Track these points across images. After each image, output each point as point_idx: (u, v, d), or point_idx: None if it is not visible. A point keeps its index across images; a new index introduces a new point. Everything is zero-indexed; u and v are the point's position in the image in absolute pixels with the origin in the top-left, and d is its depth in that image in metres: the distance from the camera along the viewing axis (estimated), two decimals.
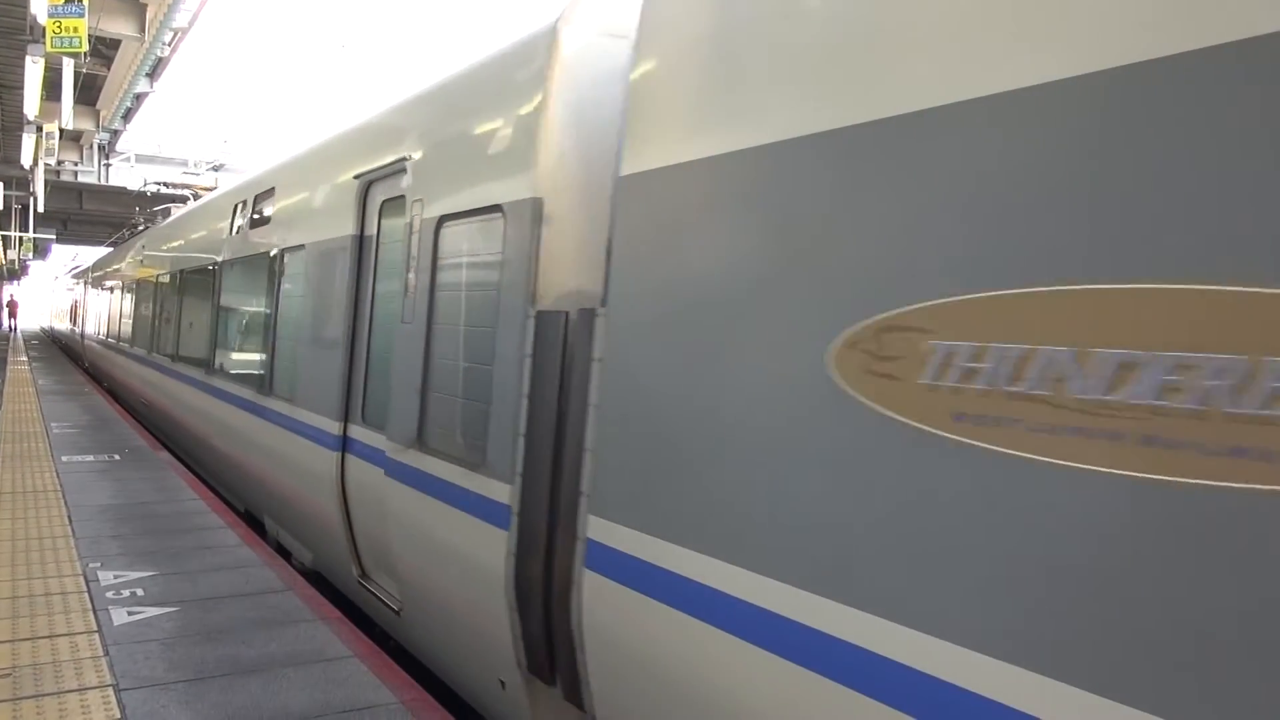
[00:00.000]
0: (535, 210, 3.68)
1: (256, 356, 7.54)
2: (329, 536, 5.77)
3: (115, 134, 29.54)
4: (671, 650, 2.73)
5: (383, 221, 5.37)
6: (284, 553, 6.87)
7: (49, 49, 12.21)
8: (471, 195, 4.23)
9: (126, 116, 27.12)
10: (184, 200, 20.77)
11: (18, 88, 14.40)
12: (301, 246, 6.55)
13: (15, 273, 52.39)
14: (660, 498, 2.80)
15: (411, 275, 4.72)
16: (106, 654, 4.27)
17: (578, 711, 3.40)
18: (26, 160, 19.64)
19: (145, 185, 26.89)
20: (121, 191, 31.95)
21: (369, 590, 5.23)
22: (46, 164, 23.90)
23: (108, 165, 31.39)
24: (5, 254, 37.25)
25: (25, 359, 25.65)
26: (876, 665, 2.06)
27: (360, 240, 5.59)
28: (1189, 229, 1.57)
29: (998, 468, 1.85)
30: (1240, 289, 1.49)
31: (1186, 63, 1.62)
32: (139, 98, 25.03)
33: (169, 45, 20.89)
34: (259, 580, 5.55)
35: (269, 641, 4.53)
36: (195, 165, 31.63)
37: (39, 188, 24.22)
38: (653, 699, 2.83)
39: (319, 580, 6.24)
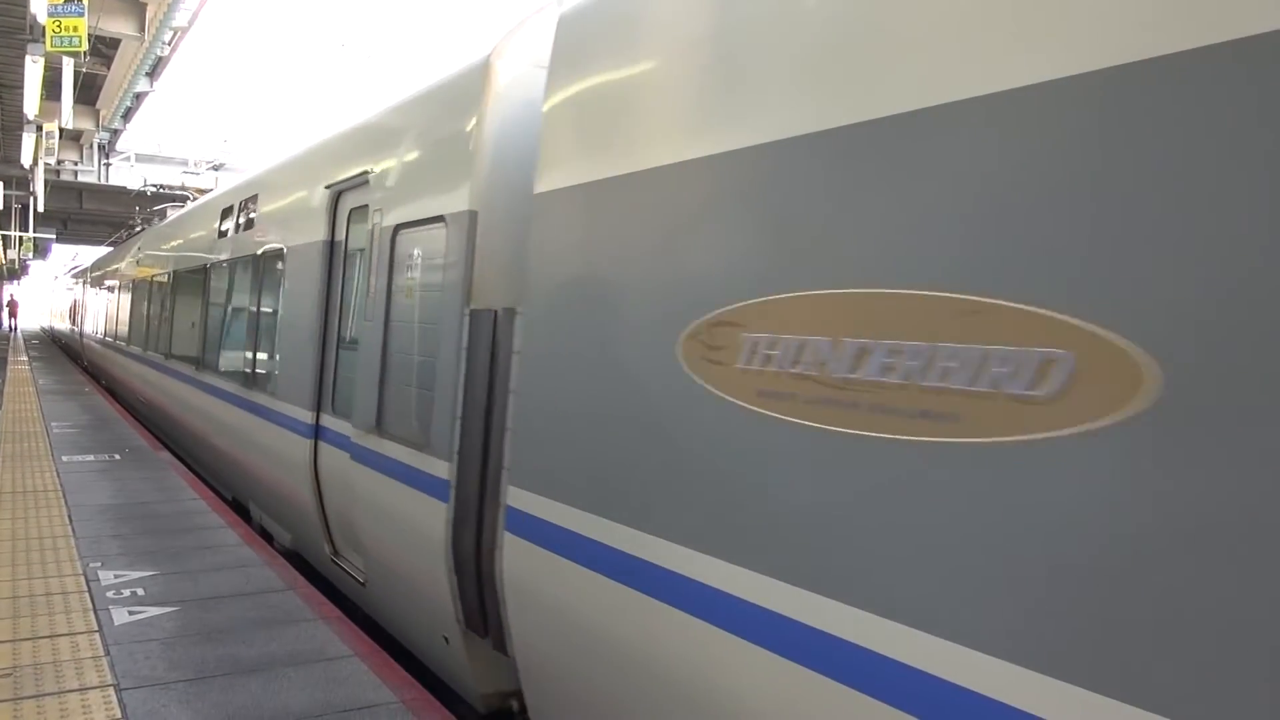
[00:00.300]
0: (471, 221, 4.22)
1: (241, 353, 7.95)
2: (304, 518, 6.27)
3: (115, 133, 29.54)
4: (572, 597, 3.26)
5: (350, 228, 5.88)
6: (267, 536, 7.31)
7: (49, 48, 12.21)
8: (420, 206, 4.75)
9: (126, 116, 27.12)
10: (184, 200, 20.96)
11: (18, 87, 14.39)
12: (281, 250, 7.07)
13: (15, 272, 52.41)
14: (560, 468, 3.34)
15: (372, 277, 5.24)
16: (107, 654, 4.27)
17: (505, 658, 3.91)
18: (26, 160, 19.64)
19: (145, 185, 26.91)
20: (121, 191, 31.94)
21: (339, 566, 5.77)
22: (46, 163, 23.89)
23: (108, 165, 31.39)
24: (5, 254, 37.25)
25: (25, 359, 25.65)
26: (712, 595, 2.60)
27: (331, 245, 6.10)
28: (892, 251, 2.15)
29: (785, 432, 2.40)
30: (928, 293, 2.05)
31: (861, 133, 2.27)
32: (139, 97, 25.03)
33: (169, 44, 20.89)
34: (259, 580, 5.55)
35: (269, 641, 4.53)
36: (195, 165, 31.62)
37: (39, 187, 24.22)
38: (559, 640, 3.36)
39: (309, 571, 6.25)
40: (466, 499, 4.02)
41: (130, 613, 4.85)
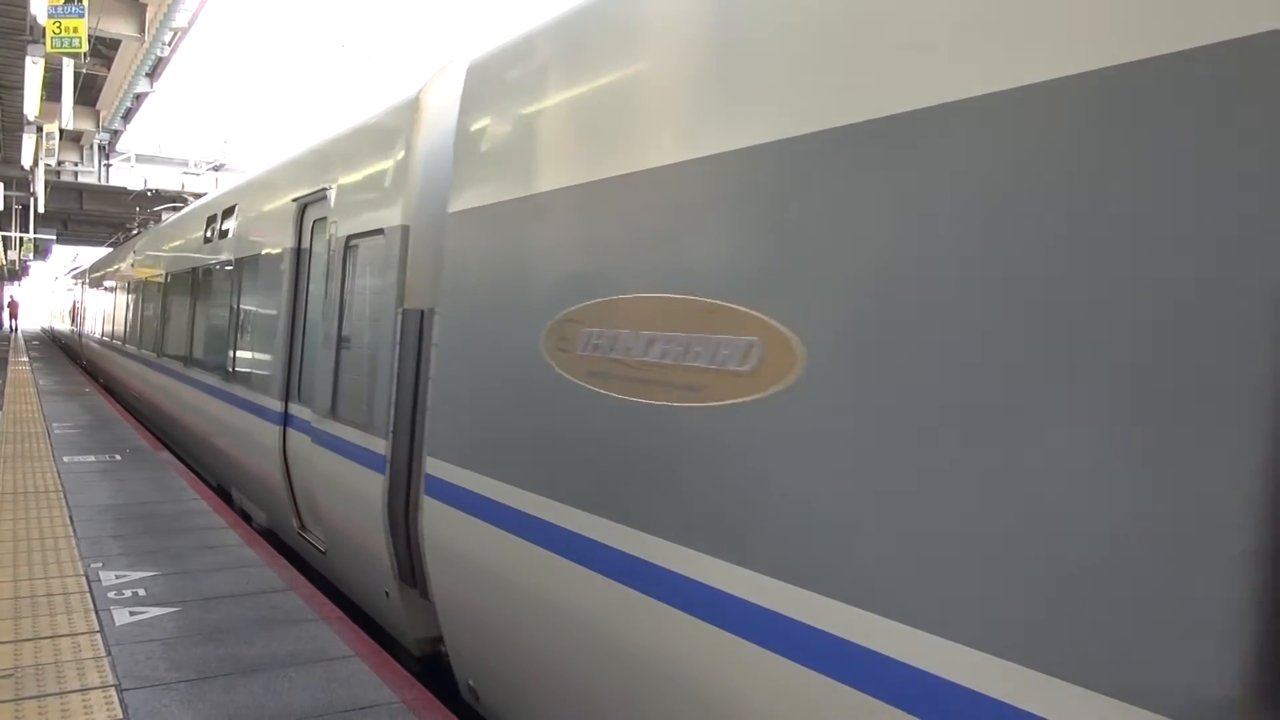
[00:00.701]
0: (404, 234, 4.93)
1: (223, 349, 8.67)
2: (276, 497, 6.97)
3: (115, 134, 29.56)
4: (474, 547, 3.94)
5: (313, 237, 6.56)
6: (247, 519, 7.93)
7: (49, 49, 12.20)
8: (366, 220, 5.46)
9: (126, 117, 27.14)
10: (181, 202, 21.11)
11: (18, 88, 14.41)
12: (256, 256, 7.87)
13: (16, 273, 52.42)
14: (463, 439, 4.09)
15: (329, 281, 5.98)
16: (108, 654, 4.27)
17: (428, 603, 4.56)
18: (27, 161, 19.65)
19: (145, 187, 26.90)
20: (122, 192, 31.97)
21: (305, 539, 6.42)
22: (47, 164, 23.91)
23: (108, 165, 31.40)
24: (6, 254, 37.25)
25: (26, 359, 25.67)
26: (566, 535, 3.30)
27: (298, 252, 6.80)
28: (664, 268, 2.92)
29: (605, 403, 3.13)
30: (685, 298, 2.81)
31: (641, 180, 3.07)
32: (139, 98, 25.05)
33: (169, 45, 20.90)
34: (260, 580, 5.56)
35: (271, 641, 4.53)
36: (195, 165, 31.64)
37: (39, 188, 24.23)
38: (466, 584, 4.07)
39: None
40: (398, 470, 4.73)
41: (131, 613, 4.85)
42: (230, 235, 8.94)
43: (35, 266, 58.37)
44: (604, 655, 3.11)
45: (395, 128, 5.28)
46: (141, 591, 5.24)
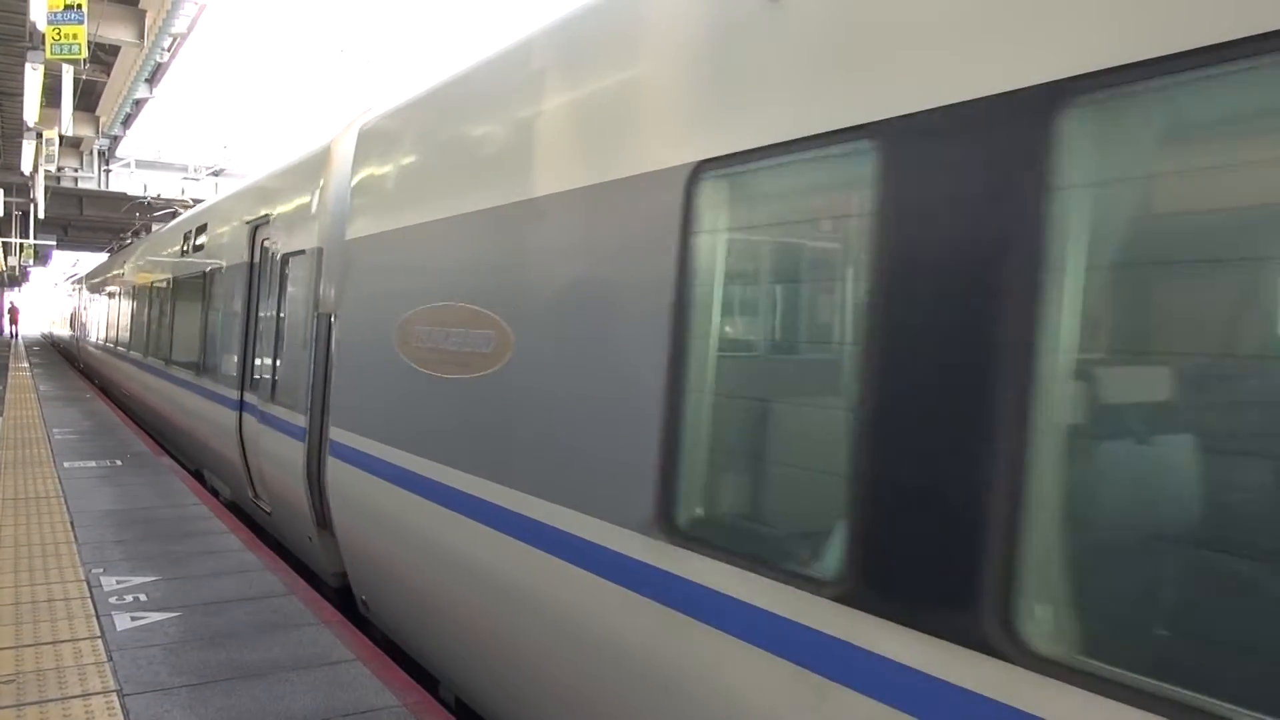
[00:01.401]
0: (319, 254, 6.36)
1: (195, 349, 10.04)
2: (235, 471, 8.23)
3: (115, 140, 29.57)
4: (361, 492, 5.20)
5: (263, 254, 7.89)
6: (216, 494, 9.14)
7: (48, 56, 12.21)
8: (295, 242, 6.91)
9: (126, 122, 27.15)
10: (173, 209, 21.36)
11: (17, 94, 14.41)
12: (220, 268, 9.30)
13: (16, 279, 52.43)
14: (350, 410, 5.44)
15: (272, 291, 7.34)
16: (110, 659, 4.27)
17: (336, 541, 5.77)
18: (27, 167, 19.66)
19: (144, 193, 26.89)
20: (122, 197, 31.96)
21: (258, 504, 7.72)
22: (46, 170, 23.91)
23: (108, 171, 31.40)
24: (6, 261, 37.27)
25: (26, 365, 25.67)
26: (412, 476, 4.53)
27: (251, 266, 8.15)
28: (453, 285, 4.27)
29: (428, 378, 4.44)
30: (464, 305, 4.13)
31: (434, 229, 4.53)
32: (138, 103, 25.07)
33: (168, 51, 20.92)
34: (261, 584, 5.55)
35: (272, 646, 4.53)
36: (195, 171, 31.66)
37: (39, 194, 24.23)
38: (357, 521, 5.34)
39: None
40: (314, 437, 6.14)
41: (133, 618, 4.85)
42: (201, 250, 10.46)
43: (35, 272, 58.39)
44: (439, 562, 4.30)
45: (314, 169, 6.80)
46: (143, 596, 5.23)
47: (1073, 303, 1.88)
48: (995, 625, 1.87)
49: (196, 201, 20.44)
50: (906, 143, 2.16)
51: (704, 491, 2.81)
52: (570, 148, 3.60)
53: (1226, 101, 1.75)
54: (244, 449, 7.79)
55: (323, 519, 6.02)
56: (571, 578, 3.25)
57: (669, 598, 2.76)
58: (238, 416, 7.92)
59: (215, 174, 31.10)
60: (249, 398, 7.69)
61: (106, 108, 25.55)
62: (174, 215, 17.73)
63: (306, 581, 5.85)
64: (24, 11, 11.46)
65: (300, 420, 6.26)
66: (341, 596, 5.90)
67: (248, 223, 8.30)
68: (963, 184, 2.06)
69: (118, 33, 18.68)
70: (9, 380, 19.97)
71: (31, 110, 15.07)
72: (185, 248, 11.37)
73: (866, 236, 2.26)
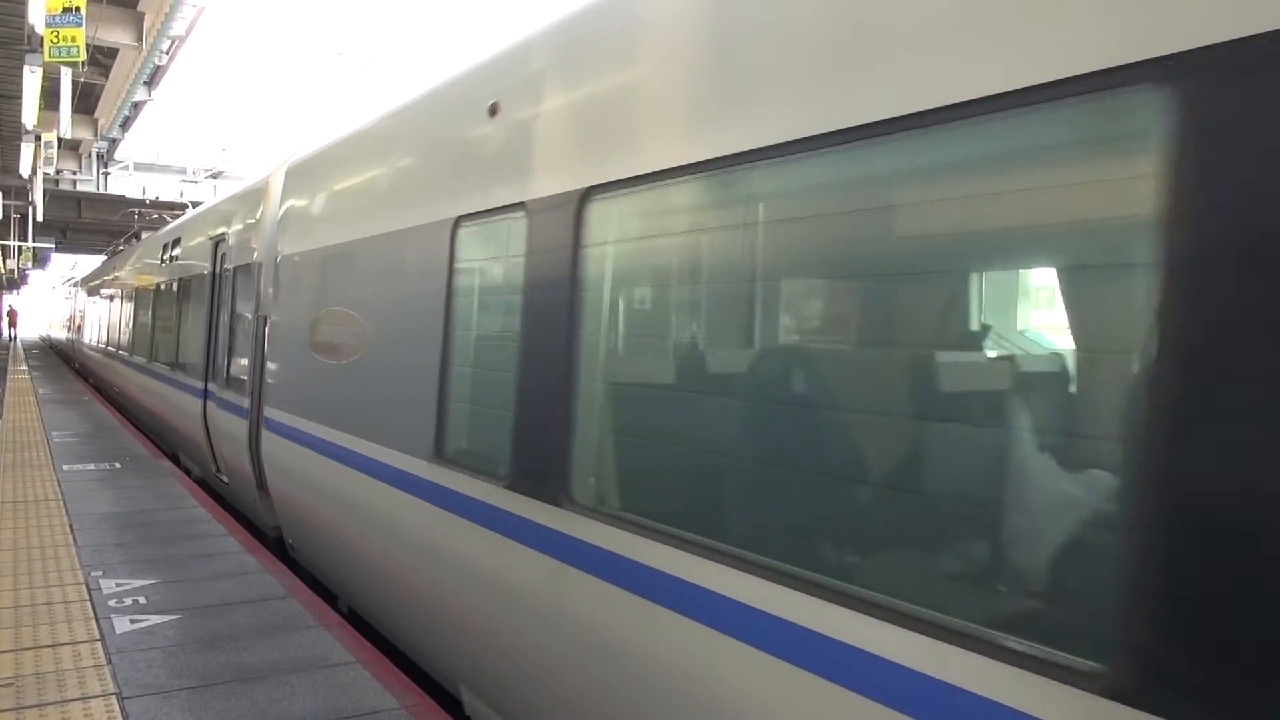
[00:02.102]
0: (259, 267, 7.78)
1: (171, 347, 11.61)
2: (201, 450, 9.62)
3: (114, 142, 29.55)
4: (283, 455, 6.41)
5: (222, 266, 9.32)
6: (188, 471, 10.43)
7: (47, 58, 12.21)
8: (242, 256, 8.50)
9: (125, 125, 27.14)
10: (183, 207, 21.83)
11: (16, 97, 14.39)
12: (191, 277, 10.87)
13: (15, 282, 52.40)
14: (277, 391, 6.72)
15: (228, 297, 8.84)
16: (109, 662, 4.26)
17: (270, 498, 7.06)
18: (25, 169, 19.64)
19: (144, 195, 26.87)
20: (120, 200, 31.95)
21: (219, 478, 9.09)
22: (45, 173, 23.89)
23: (106, 174, 31.38)
24: (5, 264, 37.25)
25: (25, 368, 25.65)
26: (317, 440, 5.69)
27: (213, 276, 9.60)
28: (335, 294, 5.80)
29: (324, 364, 5.82)
30: (344, 311, 5.60)
31: (335, 251, 5.92)
32: (137, 106, 25.06)
33: (166, 54, 20.92)
34: (261, 587, 5.55)
35: (272, 648, 4.53)
36: (194, 173, 31.64)
37: (38, 197, 24.21)
38: (284, 482, 6.53)
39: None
40: (254, 416, 7.40)
41: (132, 621, 4.84)
42: (175, 261, 12.09)
43: (34, 275, 58.35)
44: (337, 506, 5.48)
45: (257, 197, 8.31)
46: (142, 599, 5.23)
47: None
48: (563, 490, 3.33)
49: (195, 204, 20.81)
50: (537, 213, 3.64)
51: (456, 434, 4.26)
52: (392, 202, 5.14)
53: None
54: (208, 431, 9.22)
55: (261, 482, 7.30)
56: (391, 494, 4.68)
57: (440, 500, 4.26)
58: (203, 404, 9.36)
59: (214, 176, 31.08)
60: (211, 387, 9.12)
61: (105, 110, 25.53)
62: (164, 223, 19.77)
63: (307, 585, 5.84)
64: (22, 14, 11.45)
65: (245, 403, 7.72)
66: (281, 549, 7.12)
67: (210, 238, 9.91)
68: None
69: (116, 35, 18.67)
70: (8, 383, 19.95)
71: (30, 113, 15.05)
72: (163, 258, 13.08)
73: (521, 276, 3.71)
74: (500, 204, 3.89)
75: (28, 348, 42.03)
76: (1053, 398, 2.10)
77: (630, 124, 3.23)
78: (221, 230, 9.41)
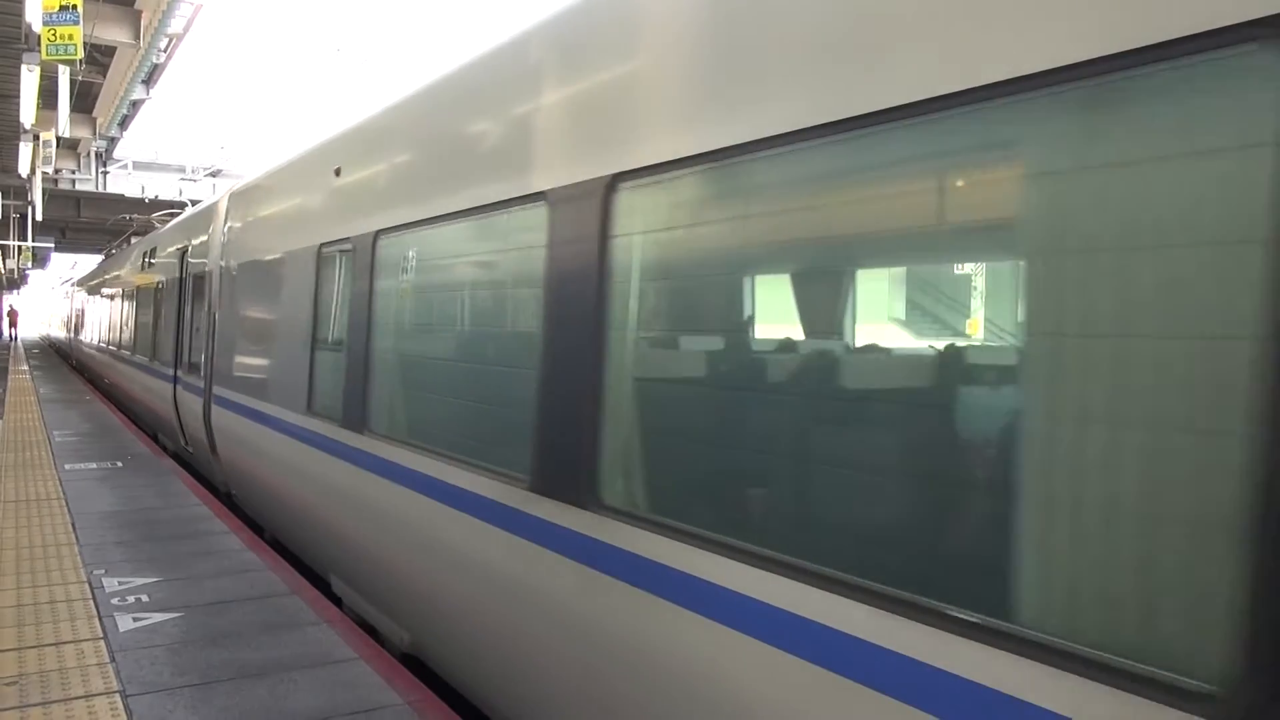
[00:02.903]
0: (211, 274, 9.54)
1: (149, 341, 13.84)
2: (173, 428, 11.57)
3: (112, 141, 29.53)
4: (229, 425, 8.29)
5: (187, 273, 11.27)
6: (164, 448, 12.15)
7: (44, 57, 12.18)
8: (199, 265, 10.38)
9: (123, 124, 27.12)
10: (182, 205, 22.27)
11: (14, 96, 14.36)
12: (164, 282, 12.95)
13: (15, 282, 52.38)
14: (221, 371, 8.70)
15: (194, 298, 10.66)
16: (112, 660, 4.27)
17: (220, 460, 8.84)
18: (24, 169, 19.61)
19: (143, 194, 26.83)
20: (119, 199, 31.92)
21: (187, 449, 10.95)
22: (44, 172, 23.87)
23: (105, 173, 31.35)
24: (4, 263, 37.23)
25: (26, 368, 25.65)
26: (249, 409, 7.64)
27: (181, 281, 11.54)
28: (266, 299, 7.66)
29: (248, 348, 8.15)
30: (259, 308, 7.99)
31: (262, 264, 7.84)
32: (135, 105, 25.04)
33: (164, 52, 20.90)
34: (263, 584, 5.55)
35: (275, 645, 4.53)
36: (193, 172, 31.61)
37: (37, 196, 24.18)
38: (228, 446, 8.37)
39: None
40: (207, 394, 9.19)
41: (135, 619, 4.85)
42: (153, 267, 14.27)
43: (34, 275, 58.33)
44: (267, 461, 7.06)
45: (210, 215, 10.33)
46: (145, 597, 5.23)
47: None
48: (364, 423, 5.25)
49: (194, 202, 21.09)
50: (360, 246, 5.41)
51: (318, 393, 5.97)
52: (283, 229, 7.26)
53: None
54: (178, 410, 11.07)
55: (213, 447, 9.10)
56: (281, 439, 6.67)
57: (308, 439, 6.01)
58: (173, 388, 11.30)
59: (213, 175, 31.05)
60: (179, 374, 11.06)
61: (103, 109, 25.51)
62: (153, 227, 22.03)
63: (311, 582, 5.84)
64: (19, 13, 11.42)
65: (200, 383, 9.63)
66: (244, 515, 8.34)
67: (178, 249, 11.93)
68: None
69: (113, 33, 18.65)
70: (9, 383, 19.96)
71: (28, 112, 15.02)
72: (142, 265, 15.45)
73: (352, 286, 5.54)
74: (351, 234, 5.68)
75: (28, 347, 42.04)
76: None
77: (406, 184, 5.10)
78: (186, 243, 11.55)
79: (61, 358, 33.79)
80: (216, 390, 8.79)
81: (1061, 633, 1.83)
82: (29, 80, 13.27)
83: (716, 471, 2.89)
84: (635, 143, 3.09)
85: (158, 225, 23.91)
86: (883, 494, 2.36)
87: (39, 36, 11.91)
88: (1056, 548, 1.91)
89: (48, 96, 16.13)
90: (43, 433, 12.09)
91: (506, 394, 4.05)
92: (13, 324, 50.21)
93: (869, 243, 2.58)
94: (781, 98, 2.50)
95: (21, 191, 24.88)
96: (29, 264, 41.36)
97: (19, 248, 35.56)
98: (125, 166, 31.42)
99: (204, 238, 10.29)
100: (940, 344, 2.47)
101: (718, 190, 2.95)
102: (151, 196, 30.88)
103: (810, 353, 2.89)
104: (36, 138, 18.79)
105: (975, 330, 2.46)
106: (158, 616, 4.90)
